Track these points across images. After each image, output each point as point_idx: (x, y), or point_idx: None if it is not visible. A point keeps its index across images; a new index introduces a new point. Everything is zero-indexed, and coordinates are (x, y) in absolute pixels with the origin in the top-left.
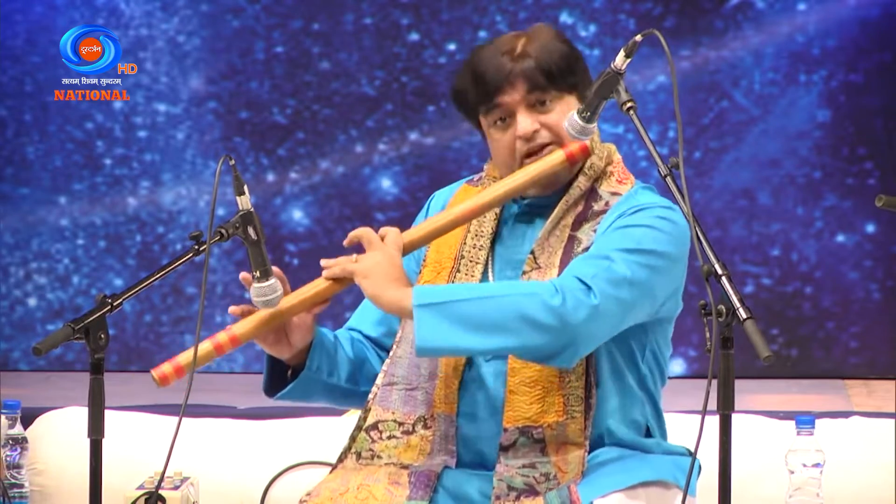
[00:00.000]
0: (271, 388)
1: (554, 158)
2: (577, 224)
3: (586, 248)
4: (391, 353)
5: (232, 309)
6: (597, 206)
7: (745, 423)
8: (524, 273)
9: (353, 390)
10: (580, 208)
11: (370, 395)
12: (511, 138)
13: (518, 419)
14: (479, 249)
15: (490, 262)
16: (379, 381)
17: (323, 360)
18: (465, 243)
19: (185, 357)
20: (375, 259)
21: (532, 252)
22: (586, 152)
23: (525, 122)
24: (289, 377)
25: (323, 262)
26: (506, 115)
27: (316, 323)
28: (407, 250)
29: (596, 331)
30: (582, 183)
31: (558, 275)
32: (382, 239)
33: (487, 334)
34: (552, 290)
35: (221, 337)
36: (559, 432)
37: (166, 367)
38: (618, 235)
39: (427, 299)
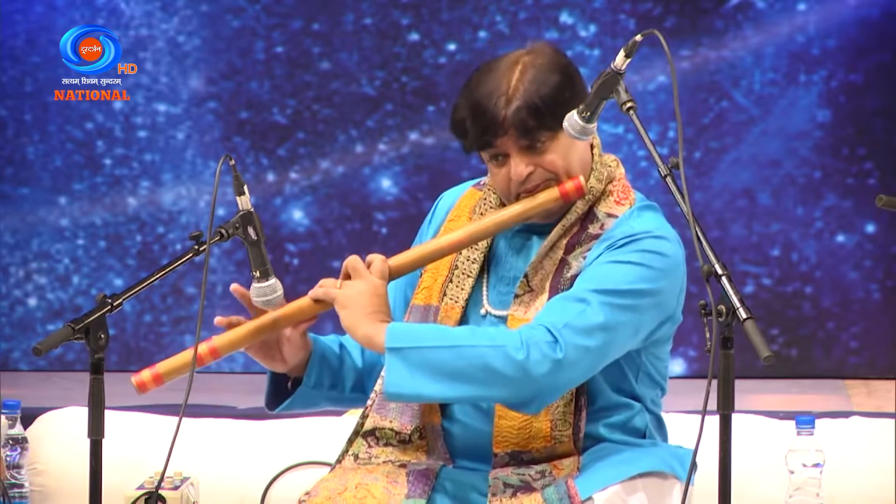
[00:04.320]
0: (273, 401)
1: (548, 195)
2: (570, 247)
3: (575, 276)
4: None
5: (217, 320)
6: (591, 229)
7: (745, 423)
8: (517, 297)
9: (360, 397)
10: (576, 229)
11: (368, 402)
12: (506, 174)
13: (507, 445)
14: (473, 262)
15: (484, 276)
16: (377, 387)
17: (324, 374)
18: (460, 253)
19: (164, 365)
20: (357, 288)
21: (526, 275)
22: (581, 192)
23: (519, 167)
24: (290, 389)
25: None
26: (501, 153)
27: (308, 339)
28: (393, 276)
29: (561, 382)
30: (580, 207)
31: (549, 299)
32: (369, 266)
33: (452, 383)
34: (517, 343)
35: (202, 348)
36: (549, 454)
37: (145, 375)
38: (600, 272)
39: (397, 342)
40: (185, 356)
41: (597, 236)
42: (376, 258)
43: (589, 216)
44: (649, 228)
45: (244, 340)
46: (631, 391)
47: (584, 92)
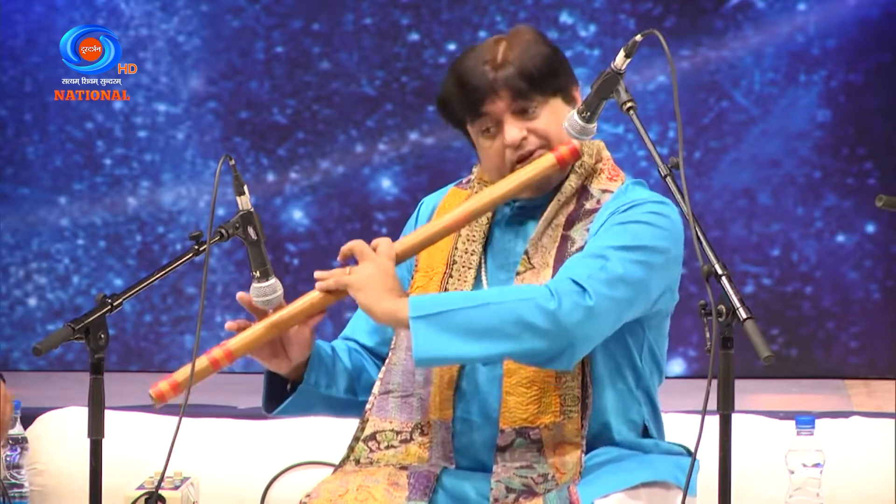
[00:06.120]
0: (270, 404)
1: (544, 162)
2: (570, 223)
3: (580, 248)
4: (386, 361)
5: (228, 324)
6: (588, 205)
7: (745, 423)
8: (518, 274)
9: (351, 400)
10: (572, 207)
11: (367, 406)
12: (500, 146)
13: (515, 420)
14: (472, 254)
15: (483, 266)
16: (375, 390)
17: (321, 374)
18: (456, 248)
19: (181, 374)
20: (368, 270)
21: (526, 252)
22: (576, 154)
23: (512, 130)
24: (287, 391)
25: (316, 275)
26: (492, 124)
27: (314, 336)
28: (400, 259)
29: (592, 332)
30: (573, 182)
31: (552, 275)
32: (374, 250)
33: (485, 341)
34: (547, 294)
35: (217, 352)
36: (556, 432)
37: (163, 385)
38: (612, 232)
39: (423, 310)
40: (201, 362)
41: (595, 211)
42: (383, 241)
43: (584, 193)
44: (649, 196)
45: (257, 341)
46: (633, 366)
47: (570, 66)
